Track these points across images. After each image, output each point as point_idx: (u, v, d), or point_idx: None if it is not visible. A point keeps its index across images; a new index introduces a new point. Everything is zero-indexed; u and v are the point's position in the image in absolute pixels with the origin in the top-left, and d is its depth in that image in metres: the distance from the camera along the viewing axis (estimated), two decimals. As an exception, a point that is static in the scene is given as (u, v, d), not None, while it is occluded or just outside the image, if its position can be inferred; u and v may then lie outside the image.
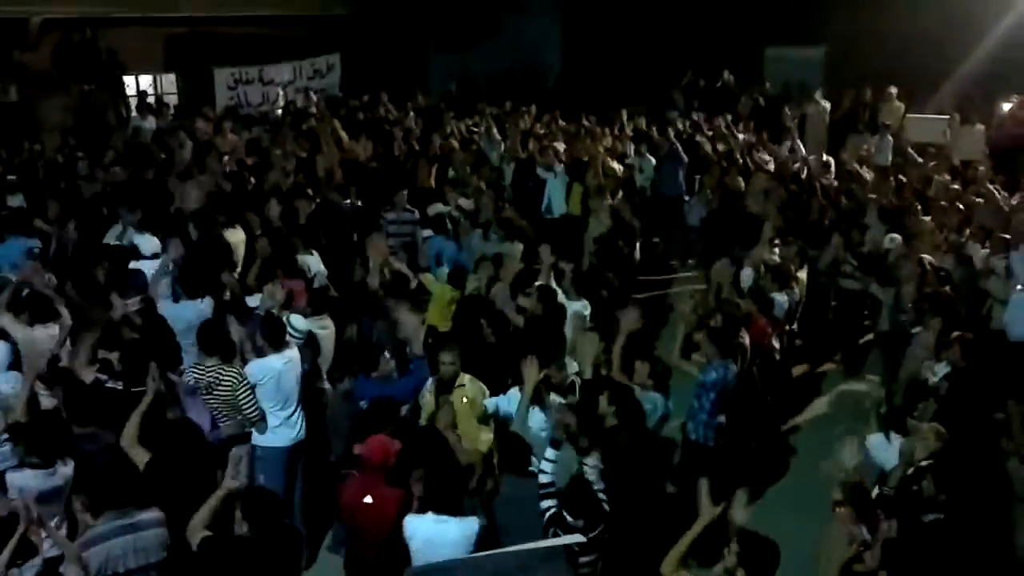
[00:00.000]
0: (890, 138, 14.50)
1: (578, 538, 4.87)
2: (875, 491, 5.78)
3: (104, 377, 6.43)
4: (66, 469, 5.38)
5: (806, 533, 6.35)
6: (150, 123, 14.88)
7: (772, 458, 8.14)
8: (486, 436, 6.33)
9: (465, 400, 6.31)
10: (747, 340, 7.59)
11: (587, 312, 7.98)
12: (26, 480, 5.23)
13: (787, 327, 8.73)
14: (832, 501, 5.29)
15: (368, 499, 5.34)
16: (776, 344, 8.19)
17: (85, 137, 13.80)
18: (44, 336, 6.87)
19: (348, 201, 10.86)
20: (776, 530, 6.80)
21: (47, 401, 6.27)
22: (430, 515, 5.07)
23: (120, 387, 6.41)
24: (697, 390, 7.04)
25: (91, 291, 7.63)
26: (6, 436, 5.76)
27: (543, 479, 5.36)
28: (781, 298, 8.46)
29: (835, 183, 12.74)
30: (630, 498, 5.77)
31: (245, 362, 6.58)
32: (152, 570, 4.86)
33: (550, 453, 5.40)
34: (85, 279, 7.88)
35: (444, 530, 5.02)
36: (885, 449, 6.25)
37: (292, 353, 6.70)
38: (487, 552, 4.91)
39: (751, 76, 18.22)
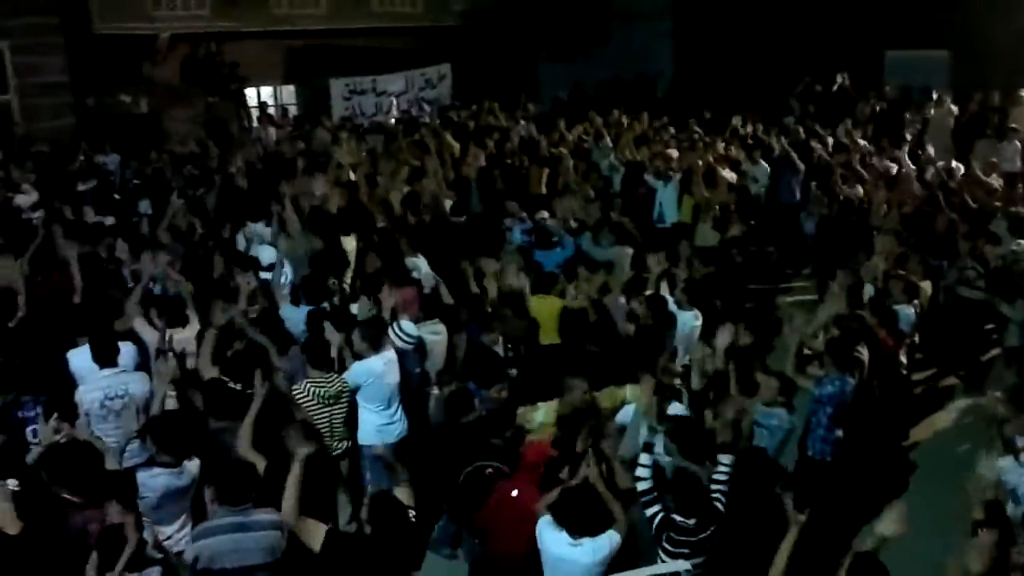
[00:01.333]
0: (1019, 144, 13.82)
1: (683, 565, 4.79)
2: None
3: (225, 379, 6.65)
4: (192, 468, 5.52)
5: (925, 551, 6.12)
6: (271, 133, 15.37)
7: (891, 474, 7.85)
8: None
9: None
10: (866, 354, 7.33)
11: (698, 322, 7.85)
12: (155, 478, 5.39)
13: (910, 340, 8.40)
14: (972, 521, 5.01)
15: (515, 492, 5.43)
16: (903, 359, 7.90)
17: (209, 147, 14.33)
18: (175, 340, 7.10)
19: (456, 208, 10.99)
20: (894, 548, 6.58)
21: (173, 402, 6.54)
22: (565, 535, 4.97)
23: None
24: (813, 404, 6.84)
25: (216, 295, 7.90)
26: (135, 435, 6.03)
27: (642, 486, 5.28)
28: (907, 311, 8.13)
29: (962, 191, 12.21)
30: (742, 514, 5.64)
31: (343, 369, 6.74)
32: (254, 572, 4.91)
33: (644, 459, 5.32)
34: (211, 284, 8.19)
35: (578, 553, 4.94)
36: (1016, 471, 5.92)
37: (390, 354, 6.83)
38: None
39: (871, 80, 17.64)
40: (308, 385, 6.56)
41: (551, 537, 5.01)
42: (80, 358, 6.70)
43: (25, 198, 11.02)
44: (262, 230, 10.00)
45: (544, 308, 8.10)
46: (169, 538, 5.42)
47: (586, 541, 4.94)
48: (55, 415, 5.89)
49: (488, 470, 5.80)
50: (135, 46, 16.70)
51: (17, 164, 12.22)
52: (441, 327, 7.71)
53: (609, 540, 4.97)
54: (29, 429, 6.27)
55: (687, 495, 5.05)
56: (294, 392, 6.50)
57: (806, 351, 7.40)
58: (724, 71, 19.16)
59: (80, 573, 4.59)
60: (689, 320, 7.81)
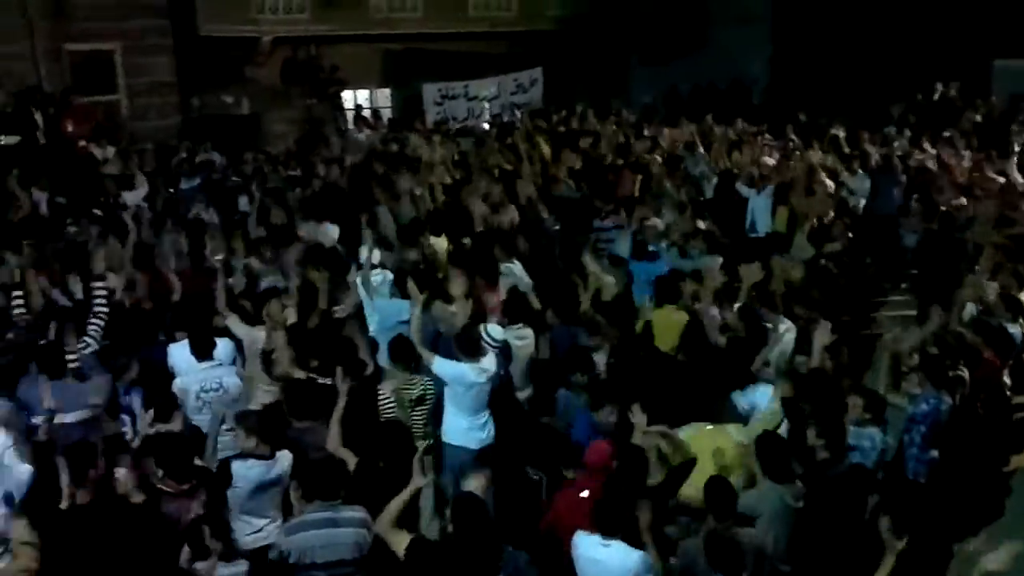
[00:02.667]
0: None
1: None
2: None
3: (315, 376, 6.77)
4: (284, 462, 5.64)
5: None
6: (365, 136, 15.65)
7: (988, 498, 7.54)
8: None
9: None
10: (966, 373, 7.06)
11: (791, 335, 7.66)
12: (248, 469, 5.53)
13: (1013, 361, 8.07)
14: None
15: (585, 493, 5.38)
16: (1007, 380, 7.60)
17: (306, 149, 14.68)
18: (263, 336, 7.26)
19: (551, 216, 10.99)
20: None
21: (266, 396, 6.72)
22: (597, 536, 4.96)
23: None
24: (907, 423, 6.63)
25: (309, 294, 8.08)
26: (229, 426, 6.20)
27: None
28: (1014, 330, 7.81)
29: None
30: (836, 534, 5.51)
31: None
32: (343, 567, 4.99)
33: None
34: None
35: (606, 554, 4.90)
36: None
37: (488, 363, 6.78)
38: None
39: (978, 89, 17.02)
40: (391, 385, 6.65)
41: (584, 539, 4.99)
42: (179, 351, 6.94)
43: (134, 194, 11.46)
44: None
45: (662, 319, 8.03)
46: (259, 530, 5.55)
47: (616, 543, 4.87)
48: (153, 406, 6.13)
49: (534, 476, 5.82)
50: (238, 48, 17.20)
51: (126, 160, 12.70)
52: (528, 331, 7.69)
53: (642, 556, 4.88)
54: (125, 417, 6.53)
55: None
56: (378, 394, 6.57)
57: (903, 368, 7.17)
58: (823, 77, 18.71)
59: (169, 557, 4.74)
60: (782, 331, 7.63)
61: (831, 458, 5.73)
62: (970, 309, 8.32)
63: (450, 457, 6.78)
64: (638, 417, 5.97)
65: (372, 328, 7.91)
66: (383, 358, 7.40)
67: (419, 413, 6.71)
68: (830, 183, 12.23)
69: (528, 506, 5.88)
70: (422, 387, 6.70)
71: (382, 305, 7.95)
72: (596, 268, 8.81)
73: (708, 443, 5.98)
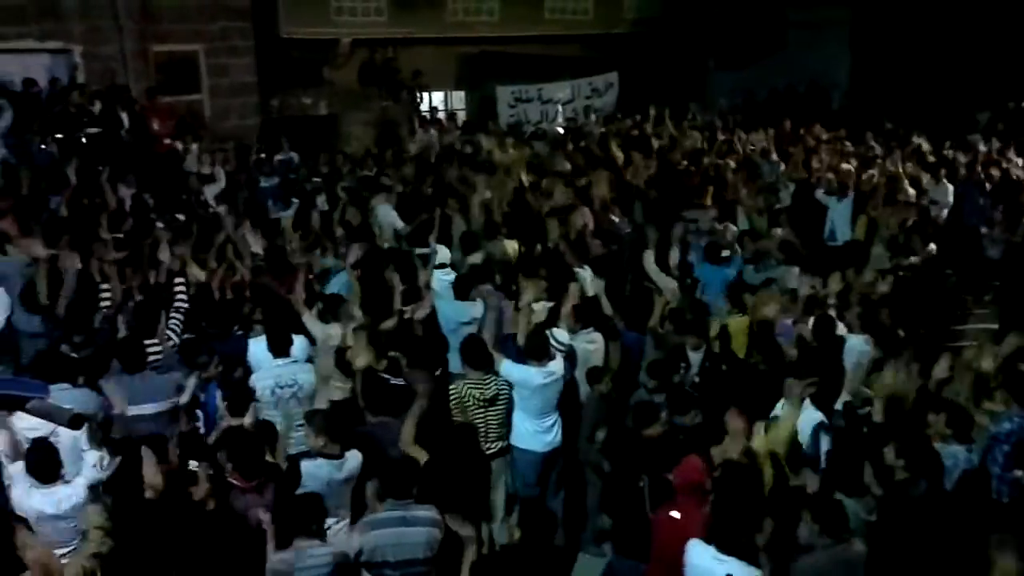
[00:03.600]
0: None
1: None
2: None
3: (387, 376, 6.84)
4: (353, 462, 5.70)
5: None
6: (434, 137, 15.77)
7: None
8: None
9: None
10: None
11: (868, 348, 7.45)
12: (317, 468, 5.60)
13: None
14: None
15: (676, 514, 5.25)
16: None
17: (382, 150, 14.85)
18: (338, 333, 7.40)
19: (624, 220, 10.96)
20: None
21: (338, 394, 6.82)
22: (712, 549, 4.76)
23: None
24: (989, 442, 6.41)
25: (381, 294, 8.17)
26: (300, 422, 6.29)
27: None
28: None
29: None
30: (922, 555, 5.36)
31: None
32: (415, 566, 5.02)
33: None
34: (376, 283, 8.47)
35: (721, 570, 4.70)
36: None
37: (555, 366, 6.79)
38: None
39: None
40: (465, 387, 6.64)
41: (696, 552, 4.83)
42: (257, 347, 7.07)
43: (213, 188, 11.73)
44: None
45: (735, 327, 7.96)
46: (327, 529, 5.62)
47: (732, 561, 4.68)
48: (227, 400, 6.25)
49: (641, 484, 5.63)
50: (318, 50, 17.49)
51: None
52: (597, 336, 7.66)
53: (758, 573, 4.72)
54: (199, 412, 6.67)
55: None
56: (450, 392, 6.62)
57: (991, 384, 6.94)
58: (904, 82, 18.25)
59: (238, 552, 4.82)
60: (858, 345, 7.47)
61: (911, 478, 5.57)
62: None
63: (518, 460, 6.82)
64: (735, 422, 5.85)
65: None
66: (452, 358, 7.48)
67: (494, 413, 6.70)
68: (912, 192, 11.95)
69: (635, 513, 5.73)
70: (496, 387, 6.70)
71: (445, 307, 8.02)
72: (656, 272, 8.76)
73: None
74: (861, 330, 7.63)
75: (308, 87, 17.21)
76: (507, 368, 6.68)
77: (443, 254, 9.18)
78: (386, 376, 6.72)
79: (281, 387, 6.69)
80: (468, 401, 6.58)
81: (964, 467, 6.03)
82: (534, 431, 6.77)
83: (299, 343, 7.14)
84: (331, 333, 7.39)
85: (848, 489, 5.35)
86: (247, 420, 6.07)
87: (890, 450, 5.64)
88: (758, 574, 4.71)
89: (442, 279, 8.61)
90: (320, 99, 17.03)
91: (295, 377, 6.74)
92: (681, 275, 9.31)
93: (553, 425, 6.83)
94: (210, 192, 11.69)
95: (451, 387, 6.68)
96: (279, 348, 6.81)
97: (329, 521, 5.57)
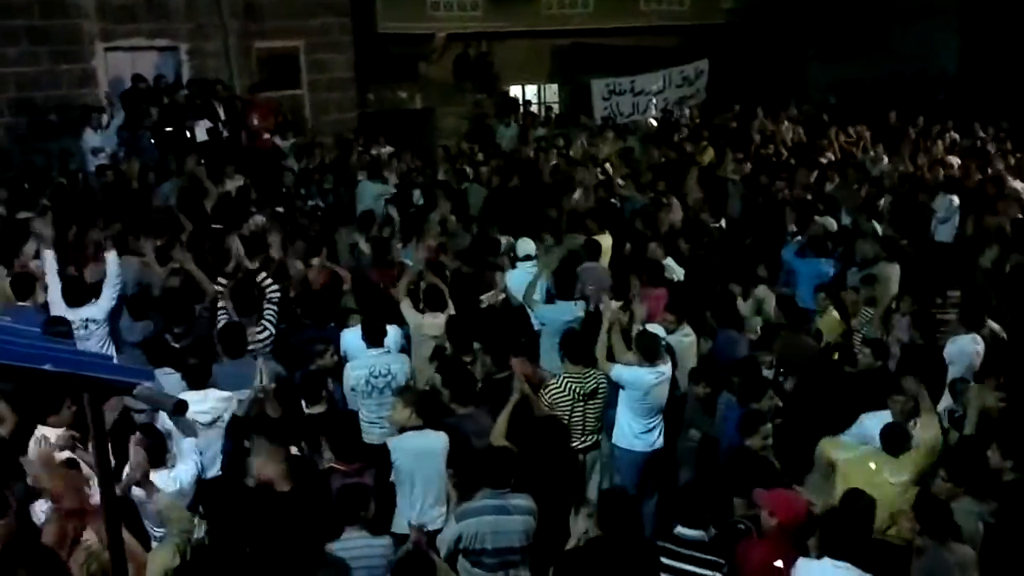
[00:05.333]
0: None
1: None
2: None
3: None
4: (440, 440, 5.78)
5: None
6: (513, 130, 15.80)
7: None
8: None
9: None
10: None
11: (979, 348, 7.20)
12: (403, 441, 5.73)
13: None
14: None
15: (779, 563, 4.71)
16: None
17: (475, 143, 14.97)
18: (431, 324, 7.52)
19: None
20: None
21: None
22: (828, 561, 4.50)
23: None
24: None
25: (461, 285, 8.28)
26: (378, 415, 6.47)
27: None
28: None
29: None
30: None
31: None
32: (512, 554, 5.06)
33: None
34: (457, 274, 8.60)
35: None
36: None
37: (665, 368, 6.74)
38: None
39: None
40: (566, 380, 6.64)
41: (808, 568, 4.53)
42: (351, 337, 7.21)
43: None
44: None
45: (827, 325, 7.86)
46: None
47: (852, 569, 4.41)
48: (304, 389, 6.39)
49: (740, 526, 5.15)
50: (413, 45, 17.71)
51: (308, 156, 13.31)
52: (689, 330, 7.57)
53: None
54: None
55: None
56: (550, 385, 6.64)
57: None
58: (1016, 70, 17.45)
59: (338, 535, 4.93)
60: (966, 344, 7.22)
61: (1019, 479, 5.36)
62: None
63: (620, 460, 6.79)
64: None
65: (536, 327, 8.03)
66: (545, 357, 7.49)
67: (592, 407, 6.69)
68: (1020, 186, 11.47)
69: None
70: (595, 381, 6.68)
71: (544, 314, 7.98)
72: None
73: (865, 474, 5.58)
74: (964, 329, 7.36)
75: (404, 81, 17.44)
76: (618, 372, 6.66)
77: (526, 246, 9.06)
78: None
79: (375, 376, 6.79)
80: (567, 395, 6.58)
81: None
82: (640, 432, 6.71)
83: (393, 334, 7.26)
84: (423, 323, 7.53)
85: (972, 489, 5.18)
86: (320, 407, 6.22)
87: (995, 452, 5.44)
88: None
89: (528, 272, 8.56)
90: (415, 93, 17.24)
91: (389, 367, 6.83)
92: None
93: (657, 426, 6.77)
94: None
95: (550, 382, 6.68)
96: (374, 338, 6.92)
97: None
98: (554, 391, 6.58)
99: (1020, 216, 10.22)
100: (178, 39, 14.68)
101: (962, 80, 19.36)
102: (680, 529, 4.84)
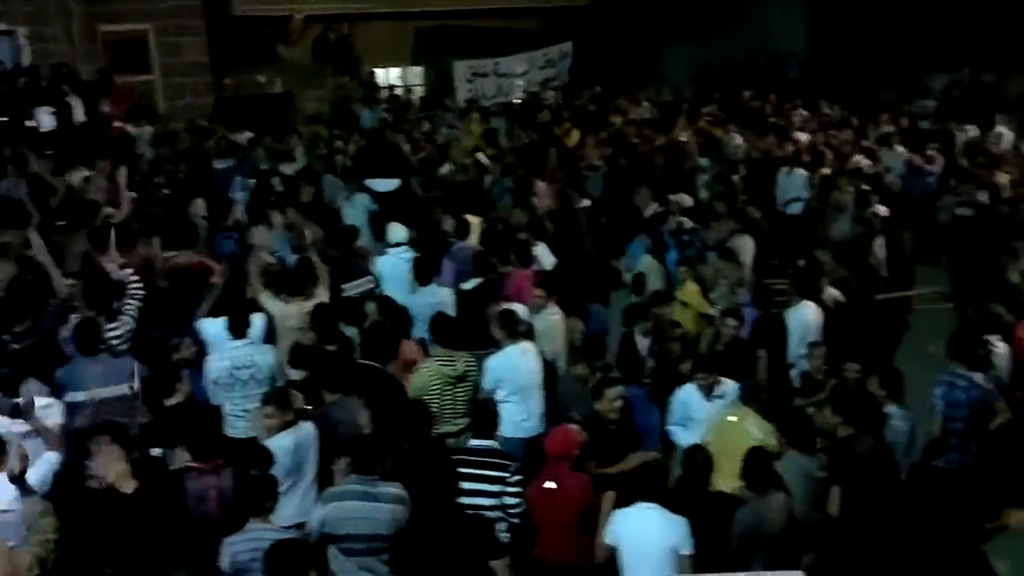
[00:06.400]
0: None
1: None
2: None
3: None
4: (307, 429, 5.74)
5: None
6: (376, 113, 15.65)
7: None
8: None
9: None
10: (1002, 348, 6.97)
11: (817, 315, 7.60)
12: (283, 439, 5.61)
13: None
14: None
15: (551, 484, 5.39)
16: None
17: (336, 128, 14.73)
18: (294, 312, 7.38)
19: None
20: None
21: (294, 374, 6.81)
22: (639, 504, 5.05)
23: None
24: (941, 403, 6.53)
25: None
26: (242, 408, 6.33)
27: None
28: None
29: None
30: (860, 511, 5.50)
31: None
32: (378, 542, 5.02)
33: None
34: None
35: (650, 517, 4.99)
36: None
37: (528, 344, 6.80)
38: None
39: (1019, 62, 16.57)
40: (435, 363, 6.63)
41: (621, 516, 5.07)
42: (213, 327, 7.00)
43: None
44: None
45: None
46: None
47: (656, 508, 4.98)
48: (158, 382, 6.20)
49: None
50: (270, 27, 17.28)
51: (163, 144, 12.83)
52: (556, 308, 7.61)
53: (683, 521, 4.98)
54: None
55: None
56: (419, 369, 6.61)
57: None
58: (861, 51, 18.34)
59: (193, 535, 4.79)
60: (805, 312, 7.59)
61: (853, 436, 5.70)
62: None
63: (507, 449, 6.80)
64: None
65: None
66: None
67: (462, 390, 6.67)
68: (866, 160, 12.09)
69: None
70: (464, 365, 6.68)
71: (411, 300, 7.91)
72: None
73: (732, 438, 5.90)
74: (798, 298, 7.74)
75: (262, 65, 17.00)
76: (489, 362, 6.69)
77: (398, 233, 8.94)
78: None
79: (239, 368, 6.61)
80: (438, 378, 6.55)
81: (908, 427, 6.13)
82: (519, 419, 6.64)
83: (258, 324, 7.08)
84: (289, 312, 7.38)
85: (802, 446, 5.47)
86: (177, 398, 6.06)
87: (826, 410, 5.77)
88: (681, 522, 4.93)
89: (401, 259, 8.52)
90: (274, 77, 16.85)
91: (253, 358, 6.67)
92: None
93: (536, 411, 6.76)
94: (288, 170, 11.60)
95: (420, 365, 6.66)
96: (237, 328, 6.75)
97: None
98: (424, 374, 6.55)
99: (864, 188, 10.74)
100: (15, 22, 13.86)
101: (811, 60, 20.22)
102: (472, 441, 5.62)
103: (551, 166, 12.05)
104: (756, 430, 5.86)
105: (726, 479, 5.52)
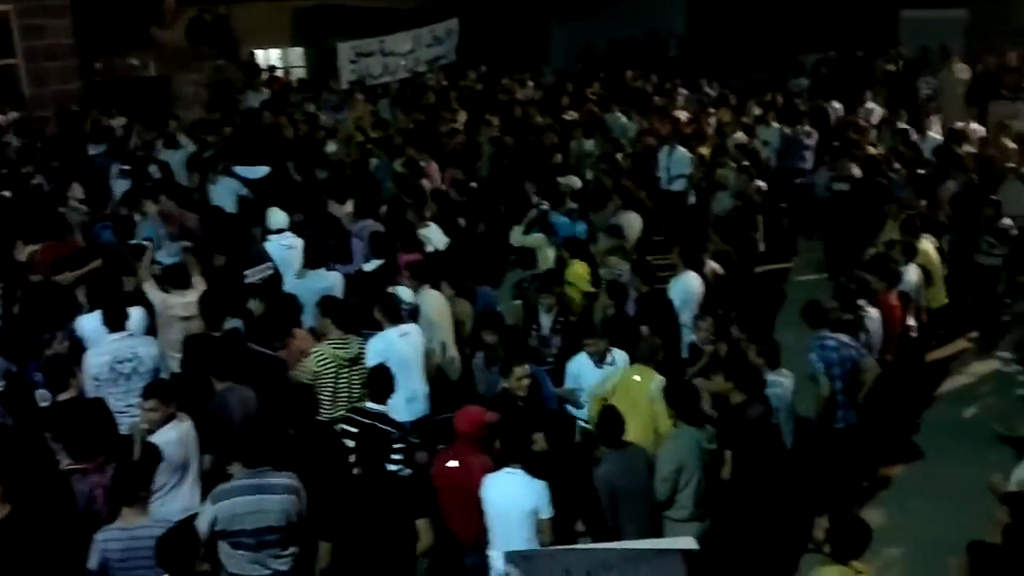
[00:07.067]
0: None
1: (692, 543, 4.64)
2: None
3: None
4: (188, 423, 5.59)
5: (933, 516, 6.16)
6: (262, 96, 15.33)
7: (901, 440, 7.89)
8: None
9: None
10: (873, 312, 7.31)
11: (699, 285, 7.83)
12: (168, 433, 5.47)
13: (923, 304, 8.39)
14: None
15: (454, 463, 5.45)
16: (912, 322, 7.90)
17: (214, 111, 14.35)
18: (178, 302, 7.20)
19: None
20: (899, 512, 6.64)
21: (175, 364, 6.62)
22: (505, 468, 5.15)
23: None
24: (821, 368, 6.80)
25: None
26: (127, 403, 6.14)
27: None
28: (910, 273, 8.08)
29: (973, 152, 12.04)
30: (753, 476, 5.70)
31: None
32: (271, 534, 4.93)
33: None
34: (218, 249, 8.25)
35: (513, 481, 5.09)
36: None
37: (408, 327, 6.80)
38: (595, 545, 4.87)
39: (886, 39, 17.35)
40: (328, 346, 6.56)
41: (489, 480, 5.19)
42: (90, 322, 6.77)
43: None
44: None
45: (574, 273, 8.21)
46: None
47: (520, 471, 5.11)
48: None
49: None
50: (143, 8, 16.61)
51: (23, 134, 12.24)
52: (439, 292, 7.59)
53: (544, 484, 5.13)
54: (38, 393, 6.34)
55: None
56: (313, 352, 6.53)
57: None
58: (737, 29, 18.86)
59: (84, 538, 4.62)
60: (687, 283, 7.81)
61: (745, 402, 5.89)
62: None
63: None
64: None
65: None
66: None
67: (357, 373, 6.59)
68: (743, 136, 12.44)
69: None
70: (357, 347, 6.63)
71: (299, 284, 7.78)
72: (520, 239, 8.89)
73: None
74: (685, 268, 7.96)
75: (135, 48, 16.34)
76: (372, 343, 6.65)
77: (278, 218, 8.76)
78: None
79: (120, 362, 6.42)
80: (332, 361, 6.49)
81: (789, 393, 6.37)
82: (406, 400, 6.60)
83: (136, 316, 6.88)
84: (171, 302, 7.19)
85: (691, 419, 5.63)
86: (69, 394, 5.85)
87: (719, 376, 5.95)
88: (542, 485, 5.08)
89: (282, 245, 8.40)
90: (148, 60, 16.21)
91: (135, 351, 6.48)
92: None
93: (421, 392, 6.77)
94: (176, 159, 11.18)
95: (313, 349, 6.58)
96: (114, 322, 6.53)
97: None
98: (318, 357, 6.49)
99: (744, 164, 11.05)
100: None
101: (690, 39, 20.67)
102: (368, 404, 5.84)
103: (440, 147, 12.00)
104: (657, 390, 6.06)
105: (630, 437, 5.68)
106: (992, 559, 4.41)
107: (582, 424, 6.62)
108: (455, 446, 5.55)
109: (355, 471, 5.28)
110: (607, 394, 6.22)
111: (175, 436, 5.49)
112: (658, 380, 6.17)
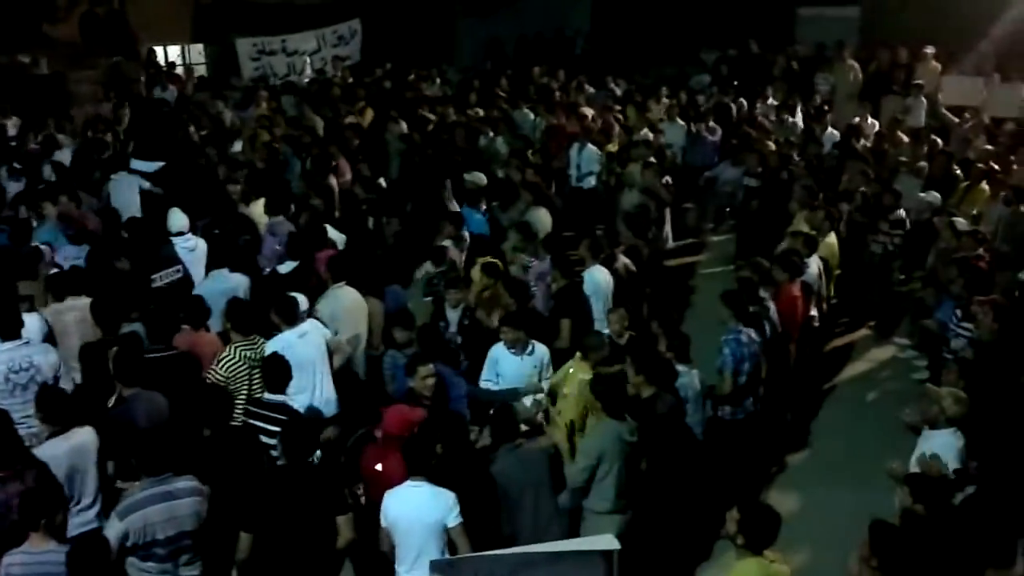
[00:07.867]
0: (924, 99, 14.14)
1: (613, 543, 4.58)
2: None
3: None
4: (83, 434, 5.40)
5: (834, 502, 6.36)
6: (171, 93, 14.94)
7: (801, 427, 8.12)
8: None
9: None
10: (772, 306, 7.51)
11: (609, 279, 7.95)
12: (56, 447, 5.28)
13: (824, 295, 8.66)
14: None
15: (379, 467, 5.40)
16: (814, 312, 8.15)
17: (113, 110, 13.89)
18: (71, 308, 6.99)
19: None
20: (805, 498, 6.85)
21: (76, 374, 6.41)
22: (408, 482, 5.01)
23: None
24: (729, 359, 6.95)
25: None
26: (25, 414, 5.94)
27: None
28: (812, 264, 8.34)
29: (867, 146, 12.48)
30: (664, 467, 5.80)
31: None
32: (184, 539, 4.87)
33: None
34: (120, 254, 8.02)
35: (417, 494, 4.95)
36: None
37: (307, 326, 6.76)
38: (517, 549, 4.80)
39: (783, 37, 17.80)
40: (236, 349, 6.49)
41: (391, 495, 5.08)
42: (-20, 332, 6.48)
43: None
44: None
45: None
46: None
47: (424, 484, 5.00)
48: None
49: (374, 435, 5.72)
50: (33, 4, 15.95)
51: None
52: (351, 289, 7.51)
53: (451, 494, 5.05)
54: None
55: None
56: (222, 358, 6.43)
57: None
58: (641, 26, 19.10)
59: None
60: (597, 277, 7.90)
61: (655, 395, 5.98)
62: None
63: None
64: None
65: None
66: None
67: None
68: (649, 133, 12.64)
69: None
70: (264, 348, 6.54)
71: (205, 288, 7.63)
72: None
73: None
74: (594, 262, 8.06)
75: (26, 45, 15.66)
76: (271, 345, 6.54)
77: (178, 220, 8.57)
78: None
79: (15, 371, 6.21)
80: (242, 363, 6.40)
81: (697, 385, 6.49)
82: (307, 401, 6.55)
83: (33, 323, 6.66)
84: (62, 309, 7.01)
85: (615, 413, 5.68)
86: None
87: (630, 367, 6.04)
88: (449, 494, 4.98)
89: (183, 247, 8.25)
90: (40, 58, 15.55)
91: (31, 359, 6.29)
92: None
93: (326, 392, 6.70)
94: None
95: (222, 354, 6.47)
96: (7, 330, 6.28)
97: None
98: (227, 362, 6.41)
99: (650, 161, 11.24)
100: None
101: (595, 36, 20.85)
102: (266, 395, 5.92)
103: (348, 145, 11.88)
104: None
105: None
106: (892, 538, 4.57)
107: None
108: (382, 446, 5.50)
109: (279, 463, 5.22)
110: (555, 387, 6.43)
111: (65, 448, 5.29)
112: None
